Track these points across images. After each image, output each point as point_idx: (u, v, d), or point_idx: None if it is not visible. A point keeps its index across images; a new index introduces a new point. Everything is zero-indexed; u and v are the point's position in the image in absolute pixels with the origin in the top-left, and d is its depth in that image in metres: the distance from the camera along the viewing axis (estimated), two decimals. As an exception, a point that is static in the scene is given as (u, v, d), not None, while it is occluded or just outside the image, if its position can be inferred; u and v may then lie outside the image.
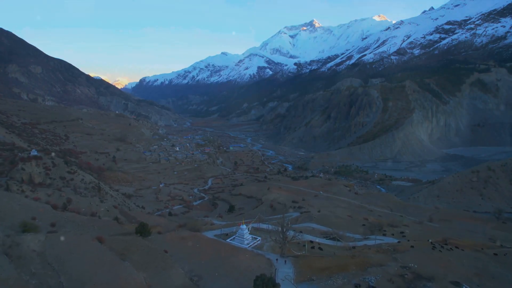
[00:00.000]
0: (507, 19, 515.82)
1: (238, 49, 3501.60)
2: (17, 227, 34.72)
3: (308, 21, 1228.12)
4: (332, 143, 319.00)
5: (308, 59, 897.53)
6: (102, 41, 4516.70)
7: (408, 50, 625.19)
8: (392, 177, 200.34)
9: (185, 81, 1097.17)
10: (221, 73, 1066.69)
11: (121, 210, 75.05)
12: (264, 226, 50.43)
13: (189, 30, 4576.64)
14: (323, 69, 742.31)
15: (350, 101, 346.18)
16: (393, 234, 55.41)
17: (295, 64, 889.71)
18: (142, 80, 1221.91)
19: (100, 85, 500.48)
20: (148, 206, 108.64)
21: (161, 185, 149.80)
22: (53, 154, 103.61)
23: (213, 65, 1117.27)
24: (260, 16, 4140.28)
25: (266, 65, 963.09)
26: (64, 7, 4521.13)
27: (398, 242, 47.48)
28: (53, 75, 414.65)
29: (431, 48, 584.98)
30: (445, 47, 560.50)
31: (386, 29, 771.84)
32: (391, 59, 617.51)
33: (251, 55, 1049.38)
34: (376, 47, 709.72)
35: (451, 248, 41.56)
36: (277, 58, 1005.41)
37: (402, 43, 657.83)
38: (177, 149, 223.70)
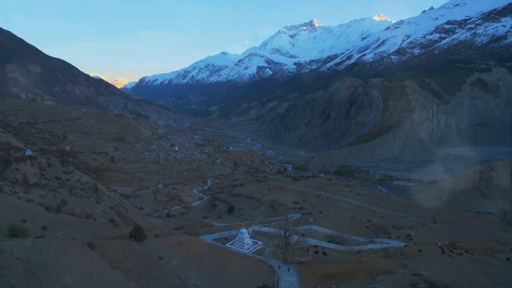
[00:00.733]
0: (507, 18, 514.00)
1: (237, 49, 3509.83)
2: (4, 230, 32.85)
3: (308, 21, 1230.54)
4: (332, 143, 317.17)
5: (308, 59, 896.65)
6: (102, 41, 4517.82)
7: (408, 50, 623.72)
8: (393, 177, 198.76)
9: (185, 81, 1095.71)
10: (221, 73, 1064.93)
11: (118, 211, 72.94)
12: (265, 229, 48.33)
13: (189, 30, 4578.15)
14: (323, 69, 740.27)
15: (350, 101, 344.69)
16: (398, 237, 53.43)
17: (295, 64, 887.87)
18: (141, 80, 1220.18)
19: (99, 84, 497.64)
20: (146, 207, 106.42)
21: (160, 185, 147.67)
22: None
23: (212, 65, 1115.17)
24: (260, 16, 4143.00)
25: (265, 65, 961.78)
26: (64, 7, 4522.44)
27: (405, 245, 45.58)
28: (52, 75, 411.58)
29: (431, 48, 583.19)
30: (445, 47, 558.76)
31: (386, 29, 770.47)
32: (391, 58, 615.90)
33: (250, 55, 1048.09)
34: (376, 46, 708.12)
35: (461, 253, 39.66)
36: (276, 58, 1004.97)
37: (402, 43, 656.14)
38: (176, 149, 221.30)
